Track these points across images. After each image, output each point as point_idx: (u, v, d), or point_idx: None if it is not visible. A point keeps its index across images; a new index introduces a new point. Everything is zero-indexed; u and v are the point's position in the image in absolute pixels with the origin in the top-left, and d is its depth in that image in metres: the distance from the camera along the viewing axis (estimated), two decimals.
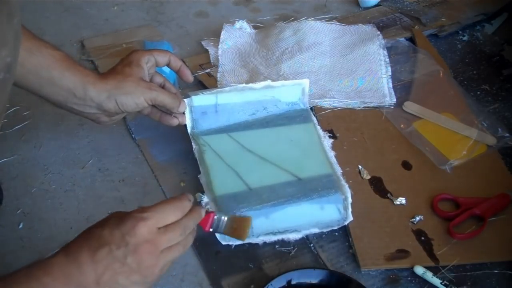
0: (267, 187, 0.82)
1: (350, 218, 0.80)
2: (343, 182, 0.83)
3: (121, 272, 0.57)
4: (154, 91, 0.79)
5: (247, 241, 0.74)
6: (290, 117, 0.93)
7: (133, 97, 0.78)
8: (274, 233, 0.78)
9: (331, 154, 0.88)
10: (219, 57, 1.08)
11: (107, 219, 0.59)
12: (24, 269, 0.54)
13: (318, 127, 0.92)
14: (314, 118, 0.94)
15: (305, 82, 0.93)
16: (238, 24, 1.15)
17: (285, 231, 0.79)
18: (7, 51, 0.50)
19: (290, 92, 0.93)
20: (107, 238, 0.57)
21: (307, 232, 0.79)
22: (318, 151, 0.88)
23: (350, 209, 0.80)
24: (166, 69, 0.99)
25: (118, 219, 0.59)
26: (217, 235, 0.75)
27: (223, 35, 1.13)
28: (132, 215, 0.59)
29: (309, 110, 0.95)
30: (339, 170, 0.85)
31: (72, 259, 0.55)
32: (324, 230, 0.80)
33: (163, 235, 0.59)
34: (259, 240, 0.78)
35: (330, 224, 0.80)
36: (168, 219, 0.61)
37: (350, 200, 0.81)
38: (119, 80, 0.78)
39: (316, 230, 0.79)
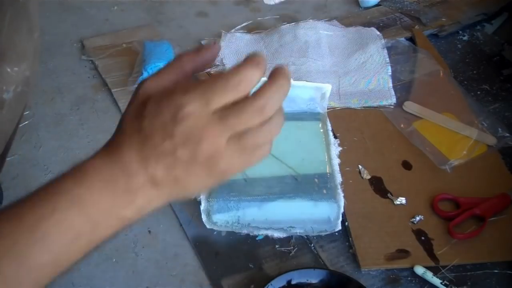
0: (263, 180, 0.81)
1: (339, 227, 0.79)
2: (340, 191, 0.81)
3: (176, 166, 0.42)
4: None
5: (232, 230, 0.77)
6: (304, 117, 0.91)
7: None
8: (261, 227, 0.78)
9: (336, 161, 0.86)
10: (222, 60, 1.08)
11: (142, 103, 0.43)
12: (49, 183, 0.43)
13: (330, 133, 0.90)
14: (329, 124, 0.92)
15: (327, 87, 0.92)
16: (238, 34, 1.15)
17: (270, 228, 0.79)
18: (26, 65, 0.50)
19: (309, 93, 0.92)
20: (148, 129, 0.42)
21: (294, 232, 0.79)
22: (324, 156, 0.86)
23: (340, 219, 0.79)
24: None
25: (155, 106, 0.43)
26: (203, 216, 0.77)
27: (222, 44, 1.12)
28: (171, 97, 0.42)
29: (326, 115, 0.93)
30: (339, 179, 0.83)
31: (114, 159, 0.42)
32: (310, 235, 0.80)
33: (221, 119, 0.41)
34: (245, 231, 0.79)
35: (318, 229, 0.80)
36: (223, 96, 0.41)
37: (342, 210, 0.79)
38: None
39: (302, 232, 0.80)
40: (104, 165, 0.43)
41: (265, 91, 0.41)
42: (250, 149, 0.43)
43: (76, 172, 0.43)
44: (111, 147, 0.43)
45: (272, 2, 1.25)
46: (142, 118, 0.42)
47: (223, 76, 0.41)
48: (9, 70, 0.49)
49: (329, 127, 0.92)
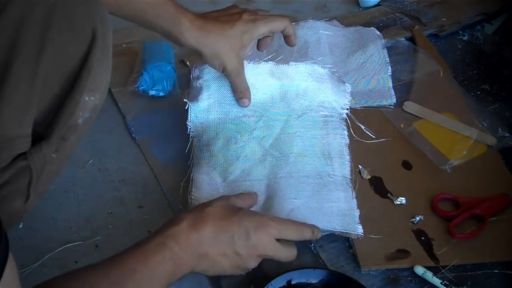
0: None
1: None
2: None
3: (229, 259, 0.66)
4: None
5: None
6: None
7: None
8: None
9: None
10: None
11: (235, 209, 0.68)
12: (156, 236, 0.62)
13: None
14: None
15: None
16: None
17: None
18: (98, 95, 0.58)
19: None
20: (235, 226, 0.66)
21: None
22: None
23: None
24: (166, 69, 0.99)
25: (247, 213, 0.69)
26: None
27: None
28: (261, 214, 0.71)
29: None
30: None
31: (197, 232, 0.64)
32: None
33: (275, 247, 0.69)
34: None
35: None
36: (289, 235, 0.70)
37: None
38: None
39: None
40: (190, 233, 0.64)
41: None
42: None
43: (173, 234, 0.63)
44: (200, 224, 0.65)
45: None
46: (234, 214, 0.67)
47: (297, 226, 0.72)
48: (87, 98, 0.56)
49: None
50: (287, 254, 0.71)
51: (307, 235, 0.72)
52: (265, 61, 0.92)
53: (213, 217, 0.66)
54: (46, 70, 0.53)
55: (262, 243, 0.67)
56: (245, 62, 0.87)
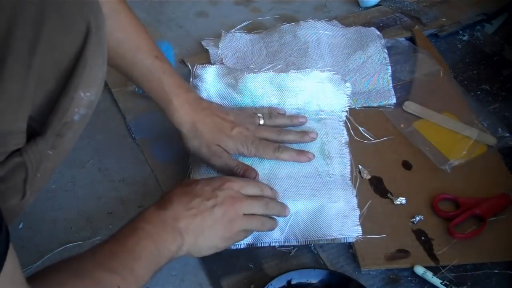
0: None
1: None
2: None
3: (208, 220, 0.68)
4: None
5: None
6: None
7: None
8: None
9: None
10: (222, 60, 1.08)
11: (194, 182, 0.72)
12: (128, 224, 0.65)
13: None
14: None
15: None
16: (238, 34, 1.15)
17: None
18: (94, 90, 0.57)
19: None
20: (199, 192, 0.70)
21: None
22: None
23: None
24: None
25: (206, 180, 0.73)
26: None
27: (222, 44, 1.12)
28: (219, 176, 0.76)
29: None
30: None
31: (166, 209, 0.67)
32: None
33: (245, 199, 0.72)
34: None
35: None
36: (251, 189, 0.74)
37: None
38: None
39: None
40: (161, 212, 0.66)
41: (269, 200, 0.75)
42: (249, 227, 0.73)
43: (144, 216, 0.66)
44: (167, 201, 0.68)
45: None
46: (196, 185, 0.71)
47: (256, 183, 0.77)
48: (82, 94, 0.56)
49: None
50: (260, 204, 0.73)
51: (267, 192, 0.76)
52: (265, 70, 0.93)
53: (177, 193, 0.69)
54: (40, 65, 0.52)
55: (230, 196, 0.71)
56: (245, 72, 0.88)
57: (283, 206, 0.77)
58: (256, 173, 0.81)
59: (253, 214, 0.73)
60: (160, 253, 0.64)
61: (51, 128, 0.55)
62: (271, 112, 0.89)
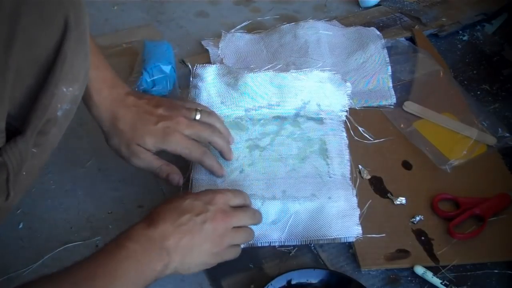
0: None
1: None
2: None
3: (197, 237, 0.66)
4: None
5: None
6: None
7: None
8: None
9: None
10: (222, 60, 1.08)
11: (182, 197, 0.69)
12: (113, 241, 0.63)
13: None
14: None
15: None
16: (238, 34, 1.15)
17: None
18: (77, 86, 0.56)
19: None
20: (188, 207, 0.67)
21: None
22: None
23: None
24: (166, 69, 0.99)
25: (194, 194, 0.71)
26: None
27: (222, 44, 1.12)
28: (208, 190, 0.73)
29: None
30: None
31: (155, 227, 0.64)
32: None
33: (235, 211, 0.71)
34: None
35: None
36: (237, 201, 0.73)
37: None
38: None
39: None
40: (148, 230, 0.64)
41: (254, 210, 0.76)
42: (238, 241, 0.72)
43: (129, 234, 0.63)
44: (155, 218, 0.65)
45: None
46: (184, 200, 0.68)
47: (240, 192, 0.74)
48: (64, 89, 0.54)
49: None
50: (248, 215, 0.73)
51: (248, 200, 0.75)
52: (265, 70, 0.93)
53: (166, 209, 0.67)
54: (18, 61, 0.51)
55: (221, 210, 0.69)
56: (246, 72, 0.88)
57: (261, 214, 0.77)
58: (180, 177, 0.78)
59: (240, 226, 0.72)
60: (144, 273, 0.62)
61: (31, 126, 0.54)
62: (211, 113, 0.83)
